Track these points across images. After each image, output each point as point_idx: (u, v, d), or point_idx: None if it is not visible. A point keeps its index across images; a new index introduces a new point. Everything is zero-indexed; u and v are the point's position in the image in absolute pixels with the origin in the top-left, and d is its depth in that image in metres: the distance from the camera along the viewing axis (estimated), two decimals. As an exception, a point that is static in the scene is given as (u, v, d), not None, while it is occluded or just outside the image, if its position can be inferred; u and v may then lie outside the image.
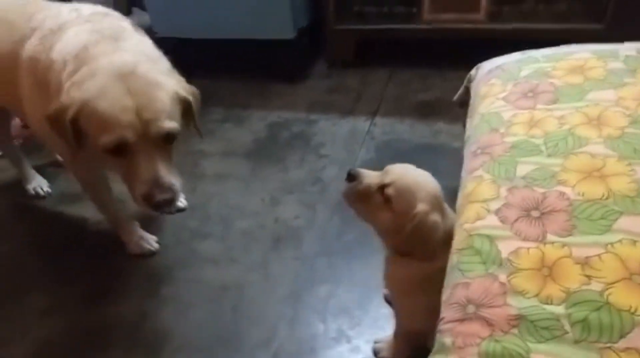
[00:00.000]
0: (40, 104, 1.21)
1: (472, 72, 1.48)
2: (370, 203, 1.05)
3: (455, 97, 1.55)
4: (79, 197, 1.91)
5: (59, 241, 1.77)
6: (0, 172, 2.10)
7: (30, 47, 1.29)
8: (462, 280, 0.83)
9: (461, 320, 0.77)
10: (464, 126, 1.33)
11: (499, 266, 0.81)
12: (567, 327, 0.69)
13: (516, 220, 0.87)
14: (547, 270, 0.77)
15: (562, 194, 0.89)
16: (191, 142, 2.03)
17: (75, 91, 1.11)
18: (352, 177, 1.07)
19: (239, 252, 1.61)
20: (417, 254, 1.02)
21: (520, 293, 0.76)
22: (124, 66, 1.12)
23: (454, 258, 0.89)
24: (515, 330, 0.72)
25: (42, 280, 1.62)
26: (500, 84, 1.27)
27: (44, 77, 1.22)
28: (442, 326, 0.80)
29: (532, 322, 0.72)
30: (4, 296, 1.58)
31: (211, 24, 2.36)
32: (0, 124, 1.82)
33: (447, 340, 0.76)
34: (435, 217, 1.01)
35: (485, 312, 0.76)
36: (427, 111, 2.12)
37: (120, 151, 1.12)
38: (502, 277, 0.79)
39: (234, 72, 2.47)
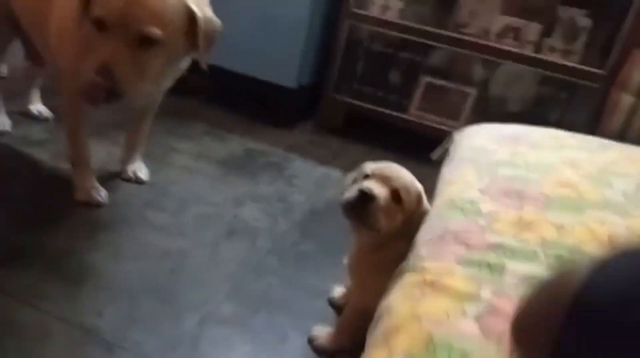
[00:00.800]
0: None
1: (454, 135, 1.61)
2: (388, 211, 1.03)
3: (436, 156, 1.66)
4: (40, 143, 1.84)
5: (4, 170, 1.66)
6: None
7: None
8: (442, 223, 0.86)
9: (439, 241, 0.78)
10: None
11: (479, 216, 0.85)
12: (542, 257, 0.72)
13: (497, 196, 0.93)
14: (525, 225, 0.82)
15: (539, 191, 0.96)
16: (165, 139, 2.04)
17: None
18: (369, 196, 1.00)
19: (190, 230, 1.55)
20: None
21: (499, 233, 0.79)
22: None
23: (433, 213, 0.92)
24: (492, 252, 0.74)
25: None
26: (486, 135, 1.41)
27: None
28: (417, 246, 0.81)
29: (509, 248, 0.74)
30: None
31: (219, 52, 2.48)
32: None
33: (423, 251, 0.77)
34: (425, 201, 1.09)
35: (464, 238, 0.78)
36: (397, 184, 2.22)
37: (101, 29, 1.17)
38: (482, 222, 0.82)
39: (226, 101, 2.55)
